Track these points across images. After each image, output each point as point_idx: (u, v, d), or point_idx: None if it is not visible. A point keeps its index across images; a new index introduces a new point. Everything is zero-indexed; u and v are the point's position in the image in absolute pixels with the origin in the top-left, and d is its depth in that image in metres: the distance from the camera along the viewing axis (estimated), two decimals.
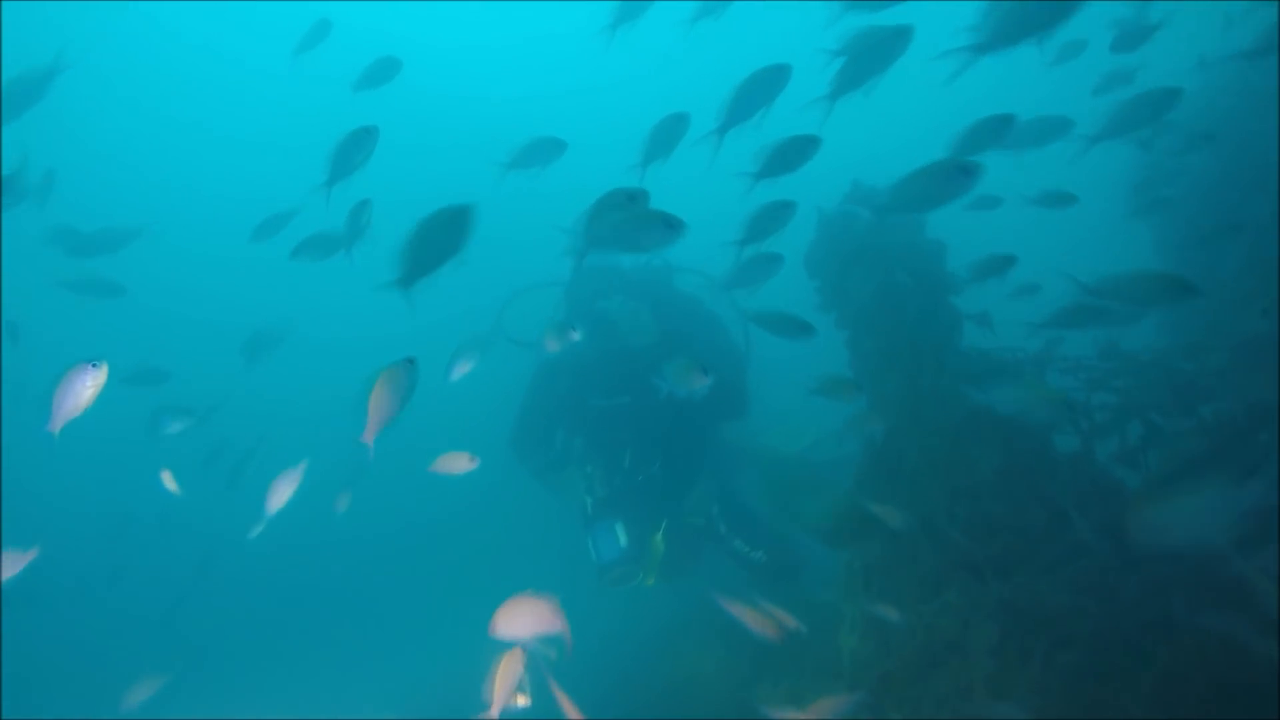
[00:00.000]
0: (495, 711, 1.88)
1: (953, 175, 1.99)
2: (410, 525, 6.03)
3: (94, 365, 1.87)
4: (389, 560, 5.80)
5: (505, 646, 1.92)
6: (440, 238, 1.83)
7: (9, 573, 2.06)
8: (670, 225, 1.96)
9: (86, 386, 1.85)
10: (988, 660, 1.93)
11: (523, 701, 1.95)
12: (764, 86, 2.34)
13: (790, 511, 3.88)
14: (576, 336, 2.57)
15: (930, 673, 2.07)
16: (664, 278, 3.98)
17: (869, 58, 2.15)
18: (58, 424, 1.87)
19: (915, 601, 2.29)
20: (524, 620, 1.86)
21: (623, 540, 3.14)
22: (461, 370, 2.67)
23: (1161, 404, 2.22)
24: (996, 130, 2.20)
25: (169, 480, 2.74)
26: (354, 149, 2.48)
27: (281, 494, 2.46)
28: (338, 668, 4.95)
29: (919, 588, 2.31)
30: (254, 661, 5.07)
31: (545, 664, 1.99)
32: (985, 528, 2.24)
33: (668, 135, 2.56)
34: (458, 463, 2.46)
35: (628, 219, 2.01)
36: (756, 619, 2.18)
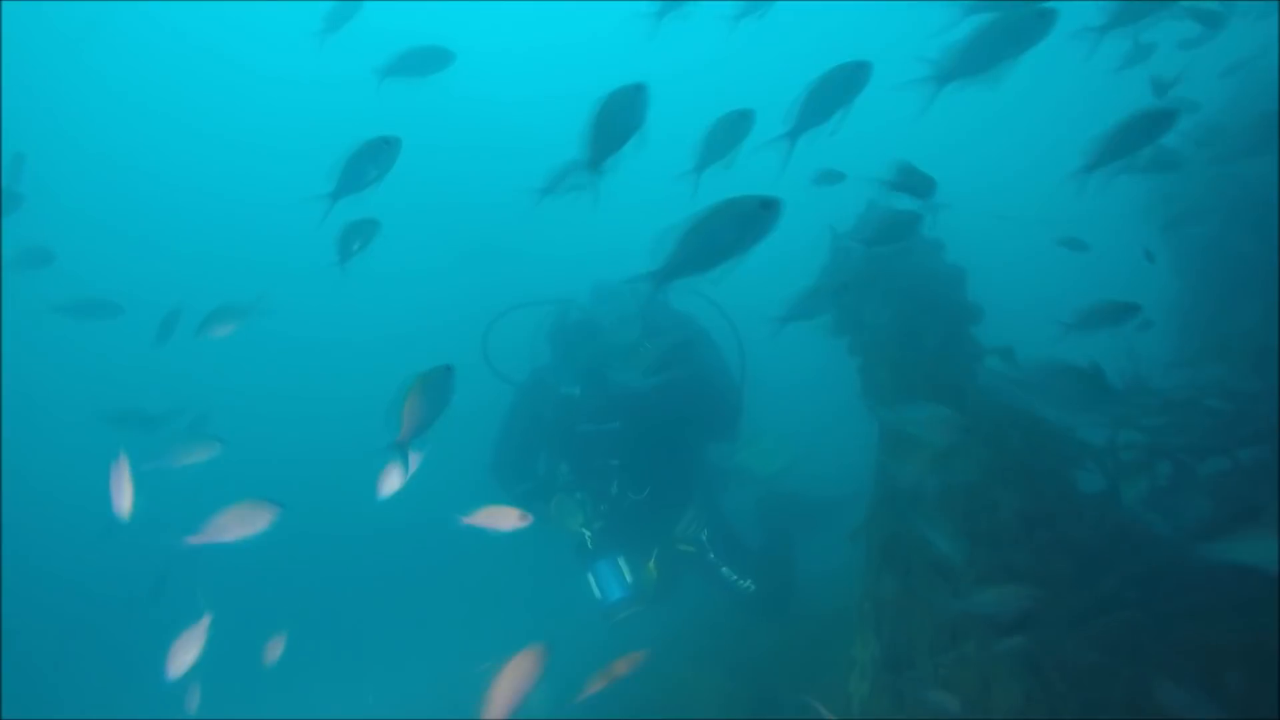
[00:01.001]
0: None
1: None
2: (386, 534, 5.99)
3: None
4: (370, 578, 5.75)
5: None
6: (621, 117, 1.83)
7: None
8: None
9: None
10: None
11: None
12: (842, 85, 2.05)
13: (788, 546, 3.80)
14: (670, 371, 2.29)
15: None
16: (660, 297, 3.84)
17: (1003, 39, 1.87)
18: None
19: (930, 650, 2.17)
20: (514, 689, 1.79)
21: (628, 578, 3.01)
22: (390, 487, 2.39)
23: (1196, 446, 2.09)
24: (1162, 125, 1.96)
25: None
26: (368, 161, 2.23)
27: (183, 659, 2.33)
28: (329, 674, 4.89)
29: (934, 635, 2.19)
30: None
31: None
32: (1005, 575, 2.11)
33: (728, 136, 2.18)
34: (504, 519, 2.27)
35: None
36: None
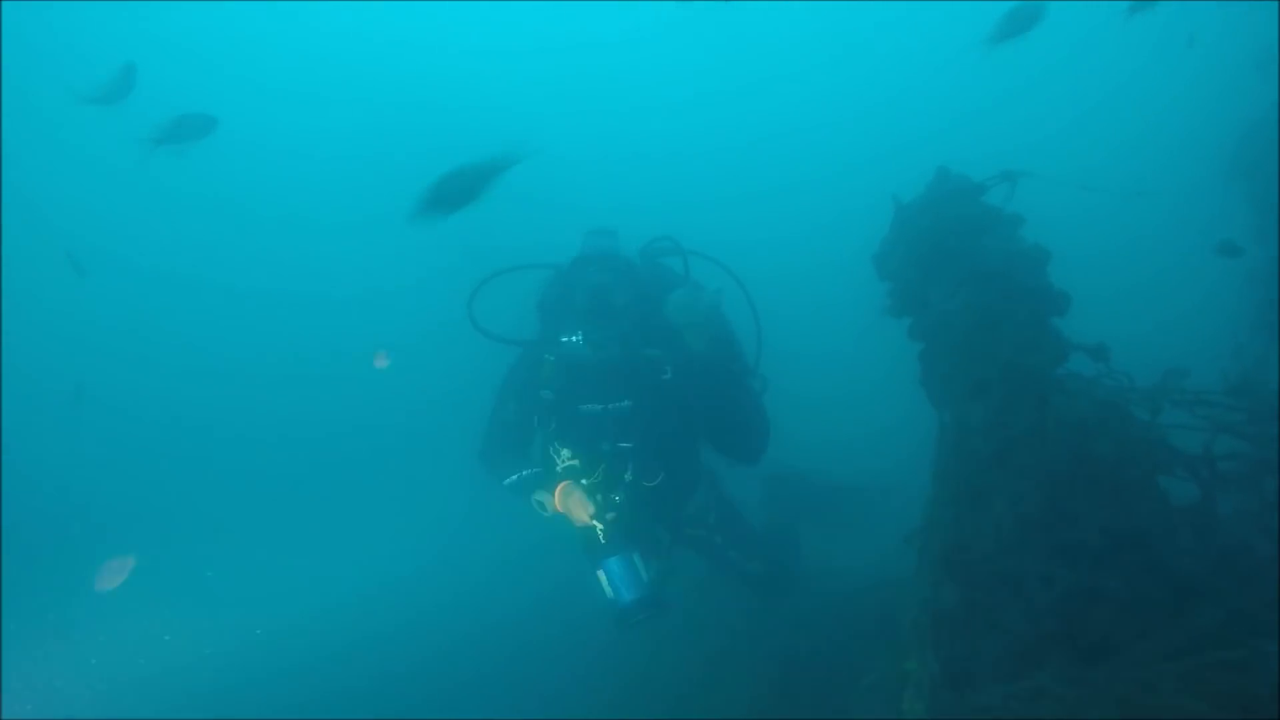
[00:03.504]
0: None
1: None
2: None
3: None
4: None
5: None
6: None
7: None
8: None
9: None
10: None
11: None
12: None
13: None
14: None
15: None
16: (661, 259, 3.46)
17: None
18: None
19: (995, 674, 1.99)
20: None
21: (645, 577, 2.76)
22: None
23: None
24: None
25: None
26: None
27: None
28: None
29: (1000, 656, 2.01)
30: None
31: None
32: (1087, 598, 1.91)
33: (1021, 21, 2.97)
34: None
35: None
36: None
